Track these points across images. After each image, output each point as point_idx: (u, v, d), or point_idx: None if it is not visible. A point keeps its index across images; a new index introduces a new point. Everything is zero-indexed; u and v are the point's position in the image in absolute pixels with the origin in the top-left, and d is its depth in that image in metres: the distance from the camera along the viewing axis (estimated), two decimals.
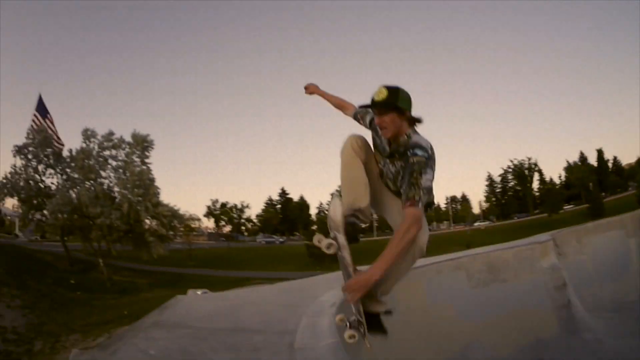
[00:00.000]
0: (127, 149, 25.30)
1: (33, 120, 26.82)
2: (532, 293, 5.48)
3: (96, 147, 25.11)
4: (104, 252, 23.89)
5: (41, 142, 24.56)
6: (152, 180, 23.94)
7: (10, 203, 28.96)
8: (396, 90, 2.12)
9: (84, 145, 24.98)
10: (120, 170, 24.81)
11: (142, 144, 24.81)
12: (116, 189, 24.93)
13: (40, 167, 25.28)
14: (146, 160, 25.20)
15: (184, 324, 3.35)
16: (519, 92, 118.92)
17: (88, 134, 25.10)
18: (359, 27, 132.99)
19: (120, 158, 25.42)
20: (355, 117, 2.56)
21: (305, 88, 2.94)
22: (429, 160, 2.04)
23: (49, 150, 25.07)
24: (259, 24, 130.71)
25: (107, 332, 9.19)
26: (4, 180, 23.68)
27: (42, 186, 25.20)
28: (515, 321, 5.12)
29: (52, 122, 26.85)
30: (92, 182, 24.19)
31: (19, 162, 24.74)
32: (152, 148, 25.45)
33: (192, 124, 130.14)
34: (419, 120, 2.20)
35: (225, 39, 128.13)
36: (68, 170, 25.50)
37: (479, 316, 5.13)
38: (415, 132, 2.18)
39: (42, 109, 28.82)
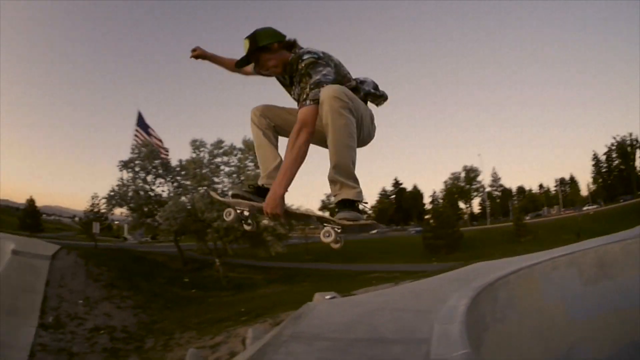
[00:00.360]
0: (239, 155, 26.30)
1: (136, 136, 29.36)
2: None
3: (207, 155, 26.50)
4: (220, 251, 25.05)
5: (147, 155, 26.51)
6: None
7: (118, 211, 31.94)
8: (253, 35, 2.22)
9: (194, 155, 26.54)
10: (234, 175, 25.91)
11: (253, 149, 25.74)
12: None
13: (150, 178, 27.32)
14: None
15: (321, 336, 3.37)
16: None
17: (197, 144, 26.67)
18: None
19: (232, 164, 26.67)
20: (257, 72, 2.57)
21: (192, 51, 2.77)
22: (320, 59, 2.10)
23: (157, 161, 26.94)
24: None
25: (225, 330, 9.35)
26: (112, 193, 25.92)
27: (152, 194, 27.28)
28: (621, 319, 5.12)
29: (155, 136, 28.71)
30: (205, 188, 25.52)
31: (125, 175, 27.05)
32: None
33: None
34: (294, 42, 2.28)
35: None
36: (179, 178, 27.31)
37: (587, 313, 5.24)
38: (301, 48, 2.26)
39: (142, 124, 31.47)
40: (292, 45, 2.29)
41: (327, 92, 1.95)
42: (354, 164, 2.11)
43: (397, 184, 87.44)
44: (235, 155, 26.81)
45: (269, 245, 24.59)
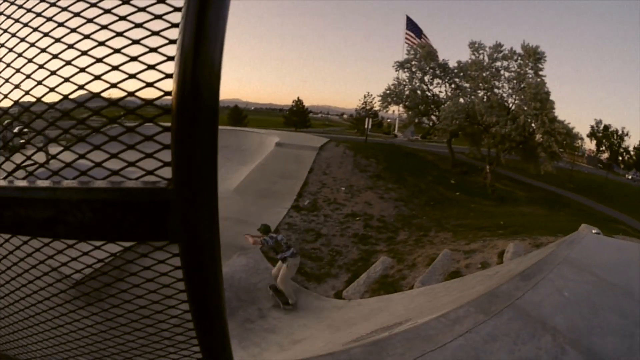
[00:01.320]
0: (519, 61, 24.20)
1: (407, 39, 29.55)
2: None
3: (486, 58, 25.23)
4: (492, 158, 24.54)
5: (424, 56, 26.70)
6: (548, 94, 22.32)
7: (390, 110, 33.71)
8: None
9: (473, 57, 25.57)
10: (514, 82, 24.24)
11: (534, 55, 23.19)
12: (510, 100, 24.72)
13: (427, 78, 27.66)
14: (540, 73, 23.58)
15: (588, 269, 3.28)
16: None
17: (476, 46, 25.41)
18: None
19: (512, 69, 24.72)
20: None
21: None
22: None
23: (434, 63, 26.99)
24: None
25: (482, 239, 8.92)
26: (388, 91, 27.38)
27: (428, 94, 27.85)
28: None
29: (427, 39, 28.31)
30: (485, 91, 24.72)
31: (401, 75, 28.08)
32: (545, 60, 23.49)
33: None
34: None
35: None
36: (456, 80, 27.01)
37: None
38: None
39: (414, 28, 31.31)
40: None
41: None
42: None
43: None
44: (515, 61, 24.34)
45: (540, 162, 22.83)
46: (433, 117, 27.50)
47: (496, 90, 24.76)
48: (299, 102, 71.10)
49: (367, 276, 8.16)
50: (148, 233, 0.64)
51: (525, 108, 22.10)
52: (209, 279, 0.69)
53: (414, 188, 15.25)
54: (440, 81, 27.65)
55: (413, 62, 27.26)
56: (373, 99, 53.32)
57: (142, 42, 0.64)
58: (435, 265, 7.43)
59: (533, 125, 22.50)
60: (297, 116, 69.34)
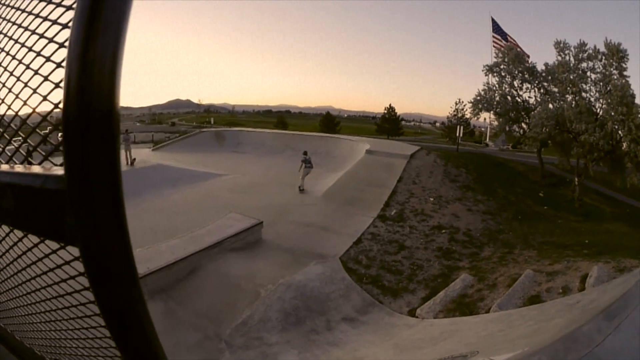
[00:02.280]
0: (603, 60, 22.03)
1: (494, 42, 28.04)
2: None
3: (572, 59, 23.26)
4: (582, 170, 22.53)
5: (512, 59, 25.24)
6: (633, 97, 20.04)
7: (481, 118, 32.15)
8: None
9: (559, 58, 23.69)
10: (600, 84, 22.09)
11: (617, 54, 20.93)
12: (598, 104, 22.56)
13: (516, 83, 26.12)
14: (624, 74, 21.26)
15: None
16: None
17: (561, 46, 23.52)
18: None
19: (597, 70, 22.45)
20: None
21: None
22: None
23: (522, 66, 25.46)
24: None
25: (565, 259, 8.15)
26: (478, 97, 26.18)
27: (518, 100, 26.24)
28: None
29: (513, 41, 26.91)
30: (573, 95, 22.82)
31: (491, 79, 26.73)
32: (627, 59, 21.12)
33: None
34: None
35: None
36: (545, 84, 25.25)
37: None
38: None
39: (499, 30, 29.69)
40: None
41: None
42: None
43: None
44: (600, 60, 22.03)
45: (626, 174, 20.47)
46: (523, 125, 25.74)
47: (584, 94, 22.74)
48: (390, 110, 71.18)
49: (445, 294, 7.81)
50: (45, 228, 0.63)
51: (613, 113, 20.00)
52: (117, 289, 0.65)
53: (503, 201, 14.47)
54: (529, 86, 25.95)
55: (502, 66, 25.82)
56: (464, 106, 51.61)
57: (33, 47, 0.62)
58: (515, 288, 6.89)
59: (620, 132, 20.37)
60: (389, 124, 69.62)
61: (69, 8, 0.57)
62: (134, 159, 21.15)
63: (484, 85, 26.59)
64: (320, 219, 12.67)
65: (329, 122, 73.37)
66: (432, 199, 13.61)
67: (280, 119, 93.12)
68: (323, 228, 11.90)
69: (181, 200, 16.49)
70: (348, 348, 6.30)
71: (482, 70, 26.56)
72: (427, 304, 7.64)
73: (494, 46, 26.53)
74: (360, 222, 12.05)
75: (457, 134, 28.86)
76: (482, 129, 67.49)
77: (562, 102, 22.76)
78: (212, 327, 7.32)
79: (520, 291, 6.77)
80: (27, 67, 0.64)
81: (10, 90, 0.68)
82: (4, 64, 0.69)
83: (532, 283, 6.97)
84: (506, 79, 25.97)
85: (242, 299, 7.99)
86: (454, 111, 56.10)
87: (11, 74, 0.67)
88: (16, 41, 0.67)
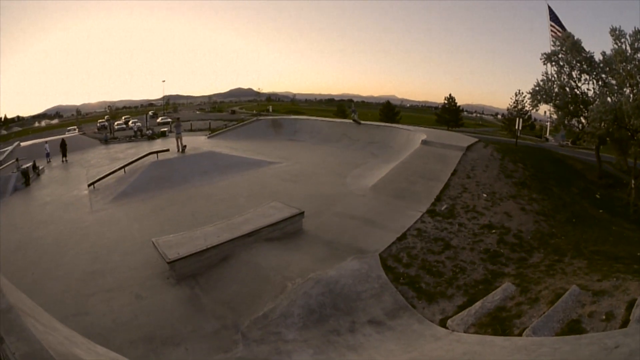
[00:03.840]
0: None
1: (552, 30, 25.93)
2: None
3: (628, 48, 21.13)
4: (638, 171, 20.66)
5: (570, 48, 23.33)
6: None
7: (541, 111, 30.11)
8: None
9: (615, 46, 21.58)
10: None
11: None
12: None
13: (574, 73, 24.23)
14: None
15: None
16: None
17: (617, 34, 21.39)
18: None
19: None
20: None
21: None
22: None
23: (580, 56, 23.47)
24: None
25: (615, 275, 7.16)
26: (537, 88, 24.45)
27: (577, 92, 24.35)
28: None
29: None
30: (631, 89, 20.82)
31: (549, 69, 24.88)
32: None
33: None
34: None
35: None
36: (603, 75, 23.20)
37: None
38: None
39: (556, 19, 27.45)
40: None
41: None
42: None
43: None
44: None
45: None
46: (582, 119, 23.83)
47: None
48: (450, 100, 69.12)
49: (482, 305, 7.19)
50: None
51: None
52: None
53: (558, 201, 13.42)
54: (587, 77, 23.76)
55: (560, 55, 23.91)
56: (524, 97, 48.98)
57: None
58: (557, 307, 6.23)
59: None
60: (448, 114, 67.72)
61: None
62: (185, 146, 21.73)
63: (543, 75, 24.78)
64: (366, 211, 12.31)
65: (389, 111, 72.24)
66: (485, 195, 12.76)
67: (341, 107, 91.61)
68: (368, 221, 11.50)
69: (229, 187, 16.63)
70: (365, 355, 5.95)
71: (540, 59, 24.72)
72: (460, 314, 7.06)
73: (551, 35, 24.69)
74: (407, 217, 11.53)
75: (516, 127, 27.32)
76: (543, 123, 63.83)
77: (620, 95, 20.78)
78: (232, 316, 7.22)
79: (560, 312, 6.09)
80: None
81: None
82: None
83: (575, 303, 6.25)
84: (564, 68, 24.01)
85: (268, 291, 7.82)
86: (514, 102, 53.31)
87: None
88: None
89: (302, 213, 10.97)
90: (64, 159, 27.39)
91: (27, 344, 2.55)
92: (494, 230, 10.78)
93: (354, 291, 7.77)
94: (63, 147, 27.82)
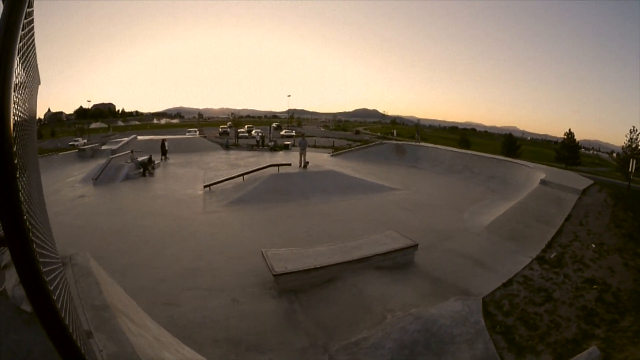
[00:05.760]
0: None
1: None
2: None
3: None
4: None
5: None
6: None
7: None
8: None
9: None
10: None
11: None
12: None
13: None
14: None
15: None
16: None
17: None
18: None
19: None
20: None
21: None
22: None
23: None
24: None
25: None
26: None
27: None
28: None
29: None
30: None
31: None
32: None
33: None
34: None
35: None
36: None
37: None
38: None
39: None
40: None
41: None
42: None
43: None
44: None
45: None
46: None
47: None
48: (570, 136, 65.54)
49: None
50: None
51: None
52: None
53: None
54: None
55: None
56: (638, 135, 44.45)
57: None
58: None
59: None
60: (567, 151, 64.10)
61: None
62: (307, 163, 22.66)
63: None
64: (477, 250, 12.04)
65: (511, 144, 70.58)
66: (594, 246, 11.80)
67: (464, 136, 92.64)
68: (477, 262, 11.25)
69: (347, 208, 16.98)
70: None
71: None
72: None
73: None
74: (516, 262, 11.10)
75: (630, 169, 24.86)
76: None
77: None
78: (324, 338, 7.42)
79: None
80: None
81: None
82: None
83: None
84: None
85: (366, 320, 7.93)
86: (628, 141, 48.49)
87: None
88: None
89: (416, 246, 10.94)
90: (162, 157, 29.83)
91: (117, 344, 2.64)
92: (595, 286, 9.93)
93: (449, 333, 7.55)
94: (163, 148, 30.03)
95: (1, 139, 1.00)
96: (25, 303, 2.39)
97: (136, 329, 3.02)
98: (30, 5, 1.28)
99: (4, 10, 1.00)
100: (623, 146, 51.08)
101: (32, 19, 1.47)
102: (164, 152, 30.15)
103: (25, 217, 1.10)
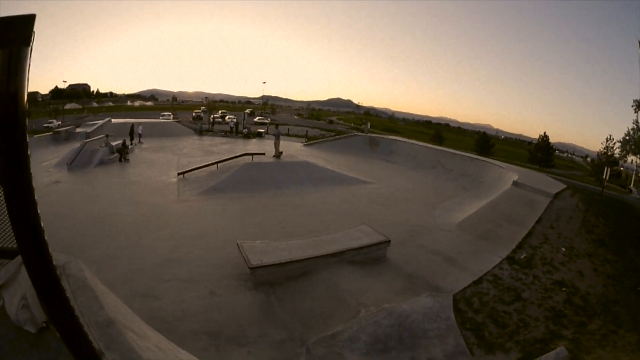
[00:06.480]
0: None
1: None
2: None
3: None
4: None
5: None
6: None
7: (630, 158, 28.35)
8: None
9: None
10: None
11: None
12: None
13: None
14: None
15: None
16: None
17: None
18: None
19: None
20: None
21: None
22: None
23: None
24: None
25: None
26: (627, 137, 23.20)
27: None
28: None
29: None
30: None
31: None
32: None
33: None
34: None
35: None
36: None
37: None
38: None
39: None
40: None
41: None
42: None
43: None
44: None
45: None
46: None
47: None
48: (544, 138, 66.90)
49: None
50: None
51: None
52: None
53: (629, 264, 12.48)
54: None
55: None
56: (614, 144, 46.29)
57: None
58: None
59: None
60: (541, 153, 65.34)
61: None
62: (281, 153, 22.46)
63: (633, 123, 23.43)
64: (449, 248, 12.30)
65: (484, 143, 71.60)
66: (564, 249, 12.25)
67: (438, 132, 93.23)
68: (449, 259, 11.50)
69: (320, 200, 17.05)
70: None
71: (632, 106, 23.32)
72: None
73: None
74: (487, 260, 11.40)
75: (604, 176, 25.97)
76: (629, 171, 59.76)
77: None
78: (301, 330, 7.59)
79: None
80: None
81: None
82: None
83: None
84: None
85: (341, 313, 8.13)
86: (604, 148, 50.39)
87: None
88: None
89: (389, 241, 11.14)
90: (132, 141, 29.16)
91: None
92: (564, 289, 10.33)
93: (421, 328, 7.80)
94: (132, 132, 29.46)
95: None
96: (29, 324, 2.35)
97: (142, 342, 3.01)
98: None
99: None
100: (598, 152, 52.92)
101: None
102: (132, 136, 29.40)
103: (42, 226, 1.02)
